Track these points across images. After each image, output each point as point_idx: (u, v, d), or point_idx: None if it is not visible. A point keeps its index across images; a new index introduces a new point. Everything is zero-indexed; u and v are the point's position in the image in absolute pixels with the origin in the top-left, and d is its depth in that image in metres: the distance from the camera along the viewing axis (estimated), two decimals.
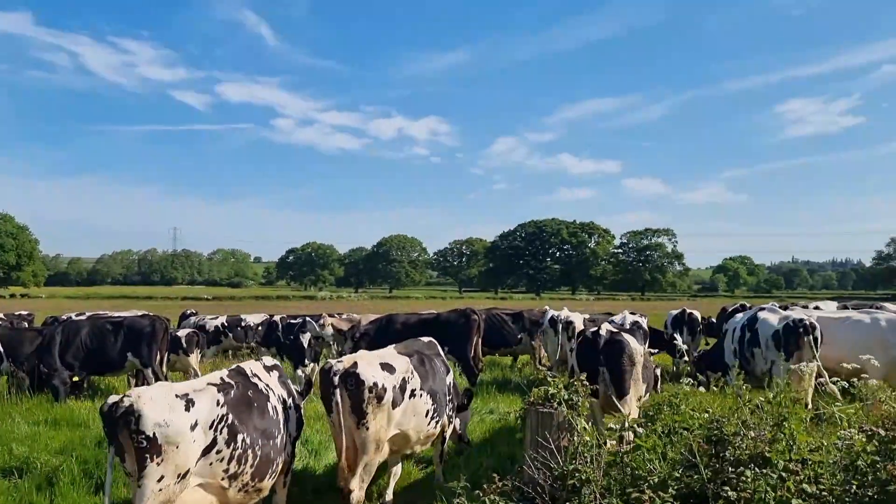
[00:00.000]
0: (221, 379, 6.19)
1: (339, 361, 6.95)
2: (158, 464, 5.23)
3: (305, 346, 16.06)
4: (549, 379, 5.40)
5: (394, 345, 8.12)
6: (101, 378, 15.68)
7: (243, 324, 22.02)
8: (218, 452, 5.67)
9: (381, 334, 15.33)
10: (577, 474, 4.62)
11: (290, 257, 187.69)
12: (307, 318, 20.03)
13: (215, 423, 5.69)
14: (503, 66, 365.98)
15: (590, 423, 5.06)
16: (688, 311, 21.84)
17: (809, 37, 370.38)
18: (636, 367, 9.13)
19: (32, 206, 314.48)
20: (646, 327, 16.57)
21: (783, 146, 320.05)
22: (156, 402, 5.34)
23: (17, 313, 26.35)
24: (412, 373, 7.41)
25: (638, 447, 4.52)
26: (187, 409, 5.50)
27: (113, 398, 5.37)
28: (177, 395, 5.56)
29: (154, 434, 5.19)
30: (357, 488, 6.75)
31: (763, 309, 13.34)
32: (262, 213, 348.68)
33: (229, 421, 5.81)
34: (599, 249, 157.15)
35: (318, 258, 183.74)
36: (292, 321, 20.31)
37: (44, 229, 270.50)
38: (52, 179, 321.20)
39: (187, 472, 5.42)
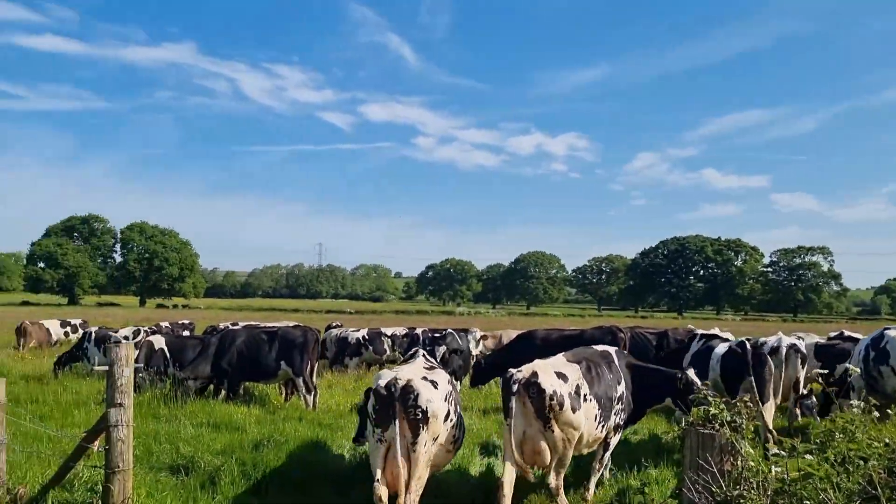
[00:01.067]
0: (431, 365, 8.01)
1: (518, 371, 7.65)
2: (427, 431, 6.83)
3: (439, 358, 16.23)
4: (709, 398, 5.18)
5: (563, 353, 8.59)
6: (255, 385, 16.48)
7: (383, 337, 22.54)
8: (450, 420, 7.20)
9: (522, 349, 15.31)
10: (741, 501, 4.39)
11: (430, 273, 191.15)
12: (449, 331, 20.17)
13: (448, 397, 7.22)
14: (644, 80, 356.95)
15: (756, 448, 4.80)
16: (846, 333, 20.40)
17: None
18: (773, 379, 11.15)
19: (194, 223, 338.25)
20: (804, 350, 15.61)
21: None
22: (421, 383, 6.95)
23: (179, 322, 28.35)
24: (582, 379, 7.97)
25: (808, 475, 4.23)
26: (435, 387, 7.06)
27: (384, 380, 6.99)
28: (423, 378, 7.10)
29: (426, 408, 6.79)
30: (553, 479, 7.76)
31: (889, 328, 12.67)
32: (402, 229, 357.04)
33: (454, 396, 7.45)
34: (747, 268, 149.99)
35: (457, 274, 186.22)
36: (435, 334, 20.59)
37: (203, 244, 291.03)
38: (211, 197, 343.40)
39: (438, 435, 7.01)
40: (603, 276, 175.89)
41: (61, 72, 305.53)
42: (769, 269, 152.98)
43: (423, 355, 8.33)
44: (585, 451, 8.46)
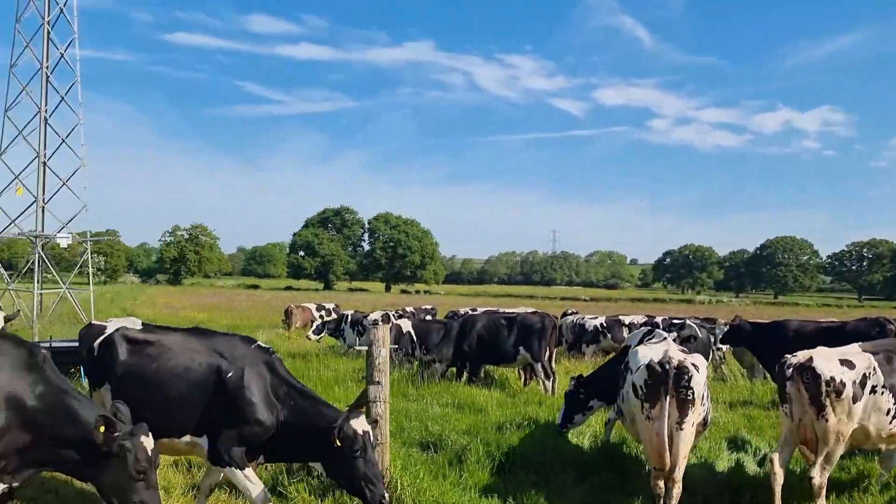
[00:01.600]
0: (684, 348, 8.10)
1: (793, 356, 7.52)
2: (693, 412, 7.07)
3: None
4: None
5: (859, 343, 8.15)
6: (494, 369, 16.98)
7: (622, 325, 22.15)
8: (704, 405, 7.49)
9: (771, 337, 14.50)
10: None
11: (667, 259, 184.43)
12: (687, 321, 19.40)
13: (705, 381, 7.45)
14: None
15: None
16: None
17: None
18: None
19: (433, 212, 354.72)
20: None
21: None
22: (689, 365, 7.17)
23: (422, 307, 29.88)
24: (874, 369, 7.50)
25: None
26: (697, 370, 7.24)
27: (656, 356, 7.24)
28: (690, 363, 7.25)
29: (695, 389, 7.05)
30: (818, 475, 7.26)
31: None
32: (637, 214, 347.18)
33: (706, 380, 7.68)
34: None
35: (696, 260, 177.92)
36: (675, 322, 19.89)
37: (442, 232, 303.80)
38: (449, 187, 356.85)
39: (697, 417, 7.28)
40: (864, 263, 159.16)
41: (315, 76, 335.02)
42: None
43: (667, 338, 8.32)
44: (882, 447, 8.10)
